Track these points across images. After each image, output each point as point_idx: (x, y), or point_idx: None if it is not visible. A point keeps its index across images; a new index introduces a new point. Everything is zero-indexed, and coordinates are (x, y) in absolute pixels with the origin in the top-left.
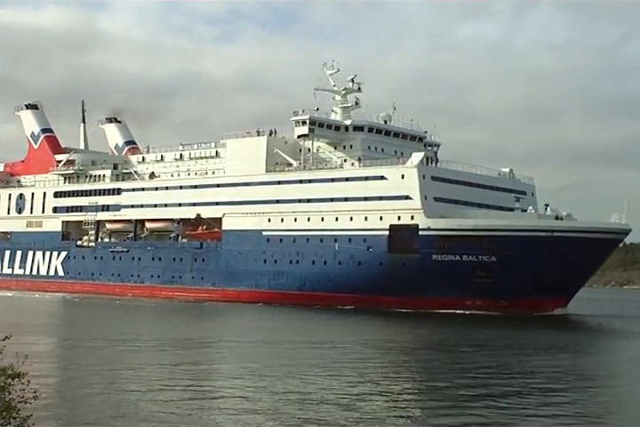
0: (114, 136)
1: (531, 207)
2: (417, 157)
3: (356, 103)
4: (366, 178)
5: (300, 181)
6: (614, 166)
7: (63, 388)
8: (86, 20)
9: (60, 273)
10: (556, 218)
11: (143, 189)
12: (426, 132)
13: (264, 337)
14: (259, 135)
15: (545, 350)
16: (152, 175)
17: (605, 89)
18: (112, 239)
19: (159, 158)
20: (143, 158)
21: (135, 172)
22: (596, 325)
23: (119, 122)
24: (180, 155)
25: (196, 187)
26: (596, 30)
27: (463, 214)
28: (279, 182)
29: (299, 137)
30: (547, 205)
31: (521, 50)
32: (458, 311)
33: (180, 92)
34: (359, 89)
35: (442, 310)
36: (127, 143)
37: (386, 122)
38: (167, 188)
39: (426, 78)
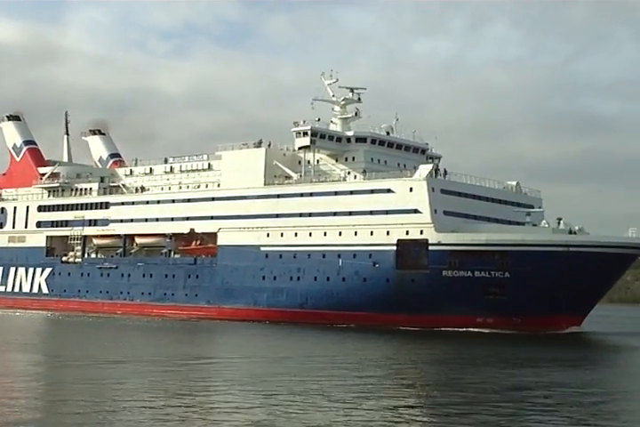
0: (98, 149)
1: (545, 221)
2: (425, 169)
3: (356, 114)
4: (372, 191)
5: (301, 195)
6: (565, 182)
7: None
8: (39, 34)
9: (45, 290)
10: (570, 232)
11: (133, 203)
12: (427, 144)
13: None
14: (256, 147)
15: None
16: (141, 189)
17: (556, 106)
18: (99, 255)
19: (148, 171)
20: (131, 171)
21: (123, 185)
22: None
23: (103, 134)
24: (171, 168)
25: (189, 200)
26: (548, 47)
27: (474, 229)
28: (278, 196)
29: (299, 148)
30: (559, 219)
31: (474, 67)
32: (468, 330)
33: (132, 107)
34: (359, 99)
35: (452, 329)
36: (112, 156)
37: (388, 133)
38: (159, 201)
39: (379, 94)
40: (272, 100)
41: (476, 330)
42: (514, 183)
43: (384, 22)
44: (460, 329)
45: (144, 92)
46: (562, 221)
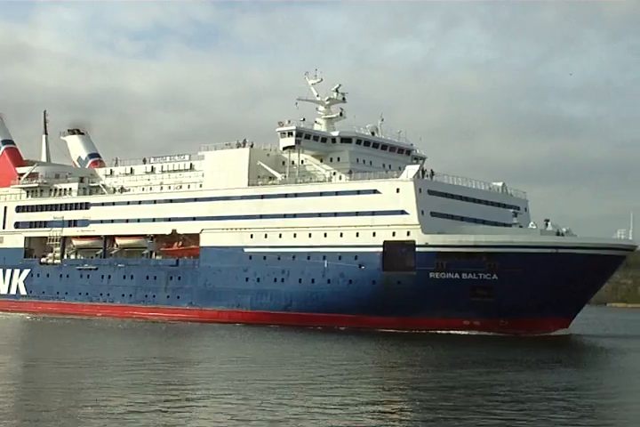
0: (77, 148)
1: (532, 222)
2: (412, 169)
3: (341, 114)
4: (358, 192)
5: (286, 195)
6: (533, 183)
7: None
8: (8, 33)
9: (22, 292)
10: (558, 234)
11: (114, 204)
12: (412, 144)
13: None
14: (239, 147)
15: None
16: (122, 189)
17: (524, 108)
18: (79, 256)
19: (128, 171)
20: (111, 171)
21: (103, 185)
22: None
23: (82, 134)
24: (152, 168)
25: (171, 201)
26: (517, 50)
27: (461, 230)
28: (263, 196)
29: (284, 148)
30: (547, 221)
31: (444, 69)
32: (456, 332)
33: (101, 108)
34: (344, 99)
35: (439, 331)
36: (91, 156)
37: (373, 134)
38: (140, 202)
39: (349, 96)
40: (242, 102)
41: (463, 333)
42: (499, 184)
43: (356, 24)
44: (448, 332)
45: (113, 93)
46: (549, 223)
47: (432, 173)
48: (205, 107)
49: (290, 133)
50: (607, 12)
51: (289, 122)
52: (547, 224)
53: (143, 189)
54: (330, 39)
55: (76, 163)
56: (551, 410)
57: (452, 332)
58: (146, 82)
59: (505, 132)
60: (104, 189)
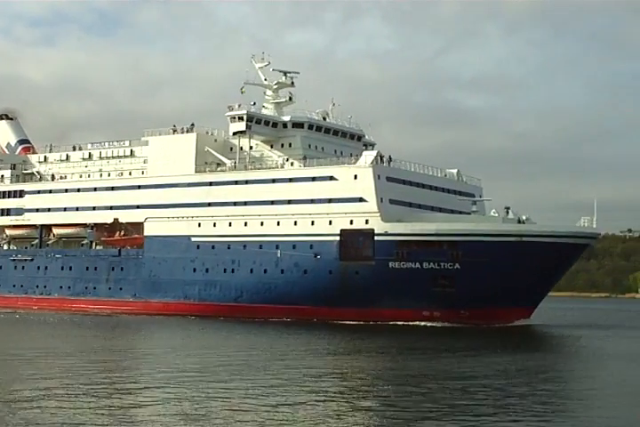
0: (5, 134)
1: (494, 210)
2: (370, 155)
3: (290, 98)
4: (313, 179)
5: (236, 182)
6: None
7: None
8: None
9: None
10: (519, 222)
11: (50, 192)
12: (361, 130)
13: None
14: (185, 132)
15: None
16: (58, 176)
17: (423, 99)
18: (13, 246)
19: (64, 158)
20: (45, 158)
21: (37, 172)
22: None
23: (11, 119)
24: (89, 154)
25: (113, 188)
26: (417, 41)
27: (421, 218)
28: (211, 183)
29: (234, 134)
30: (507, 209)
31: (344, 59)
32: (416, 323)
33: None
34: (292, 84)
35: (397, 322)
36: (21, 142)
37: (324, 119)
38: (79, 189)
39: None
40: (142, 90)
41: (423, 323)
42: (454, 171)
43: (257, 13)
44: (407, 323)
45: (9, 80)
46: (510, 211)
47: (390, 158)
48: (104, 95)
49: (240, 118)
50: (506, 5)
51: (239, 106)
52: (507, 212)
53: (81, 177)
54: (230, 29)
55: (5, 149)
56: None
57: (411, 323)
58: (43, 69)
59: (404, 122)
60: (38, 177)
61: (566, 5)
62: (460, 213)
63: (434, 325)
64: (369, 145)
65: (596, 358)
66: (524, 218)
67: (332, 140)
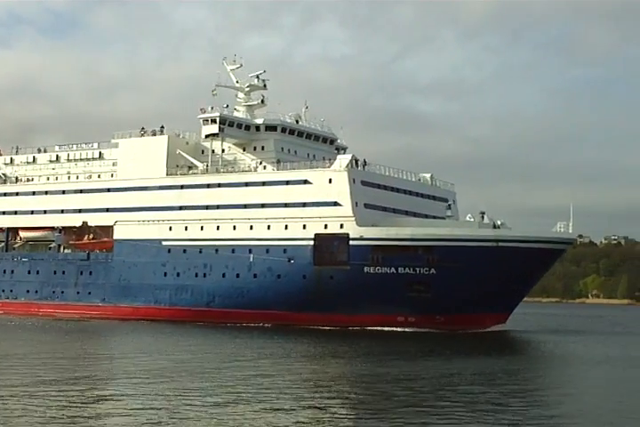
0: None
1: (470, 215)
2: (345, 159)
3: (262, 101)
4: (287, 182)
5: (208, 186)
6: None
7: None
8: None
9: None
10: (494, 226)
11: (17, 194)
12: (333, 133)
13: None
14: (155, 135)
15: None
16: (24, 179)
17: (379, 104)
18: None
19: (31, 160)
20: (12, 160)
21: (4, 174)
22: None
23: None
24: (57, 156)
25: (82, 191)
26: (374, 46)
27: (396, 223)
28: (182, 186)
29: (207, 136)
30: (483, 213)
31: (301, 63)
32: (391, 329)
33: None
34: (265, 86)
35: (371, 328)
36: None
37: (297, 122)
38: (47, 192)
39: (203, 89)
40: (97, 93)
41: (398, 329)
42: (428, 176)
43: (214, 17)
44: (382, 328)
45: None
46: (485, 215)
47: (365, 162)
48: (59, 97)
49: (213, 120)
50: (463, 12)
51: (212, 108)
52: (482, 217)
53: (48, 179)
54: (188, 32)
55: None
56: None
57: (386, 329)
58: None
59: (360, 127)
60: (4, 179)
61: (522, 12)
62: (434, 217)
63: (406, 330)
64: (341, 149)
65: (579, 363)
66: (499, 223)
67: (305, 143)
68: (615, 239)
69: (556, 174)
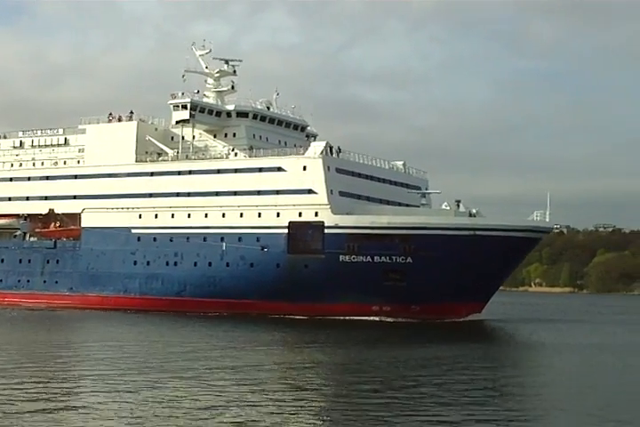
0: None
1: (446, 203)
2: (319, 146)
3: (232, 87)
4: (260, 169)
5: (179, 173)
6: None
7: None
8: None
9: None
10: (470, 215)
11: None
12: (304, 120)
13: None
14: (123, 120)
15: None
16: None
17: (324, 92)
18: None
19: None
20: None
21: None
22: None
23: None
24: (21, 142)
25: (48, 178)
26: (321, 36)
27: (371, 211)
28: (152, 173)
29: (177, 122)
30: (458, 202)
31: (248, 51)
32: (366, 318)
33: None
34: (234, 72)
35: (346, 317)
36: None
37: (268, 108)
38: (11, 179)
39: (149, 76)
40: (43, 80)
41: (372, 318)
42: (400, 163)
43: (163, 5)
44: (357, 318)
45: None
46: (461, 204)
47: (339, 149)
48: (3, 84)
49: (184, 106)
50: (411, 3)
51: (182, 94)
52: (458, 205)
53: (12, 166)
54: (136, 19)
55: None
56: None
57: (361, 318)
58: None
59: (304, 114)
60: None
61: (470, 4)
62: (408, 205)
63: (382, 319)
64: (311, 136)
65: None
66: (474, 211)
67: (277, 130)
68: (557, 228)
69: (502, 164)
